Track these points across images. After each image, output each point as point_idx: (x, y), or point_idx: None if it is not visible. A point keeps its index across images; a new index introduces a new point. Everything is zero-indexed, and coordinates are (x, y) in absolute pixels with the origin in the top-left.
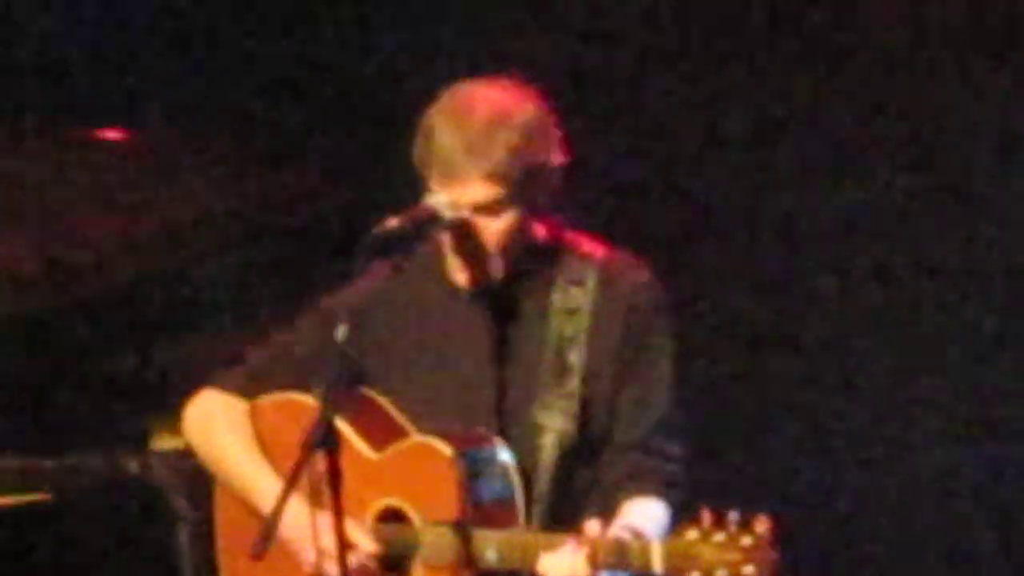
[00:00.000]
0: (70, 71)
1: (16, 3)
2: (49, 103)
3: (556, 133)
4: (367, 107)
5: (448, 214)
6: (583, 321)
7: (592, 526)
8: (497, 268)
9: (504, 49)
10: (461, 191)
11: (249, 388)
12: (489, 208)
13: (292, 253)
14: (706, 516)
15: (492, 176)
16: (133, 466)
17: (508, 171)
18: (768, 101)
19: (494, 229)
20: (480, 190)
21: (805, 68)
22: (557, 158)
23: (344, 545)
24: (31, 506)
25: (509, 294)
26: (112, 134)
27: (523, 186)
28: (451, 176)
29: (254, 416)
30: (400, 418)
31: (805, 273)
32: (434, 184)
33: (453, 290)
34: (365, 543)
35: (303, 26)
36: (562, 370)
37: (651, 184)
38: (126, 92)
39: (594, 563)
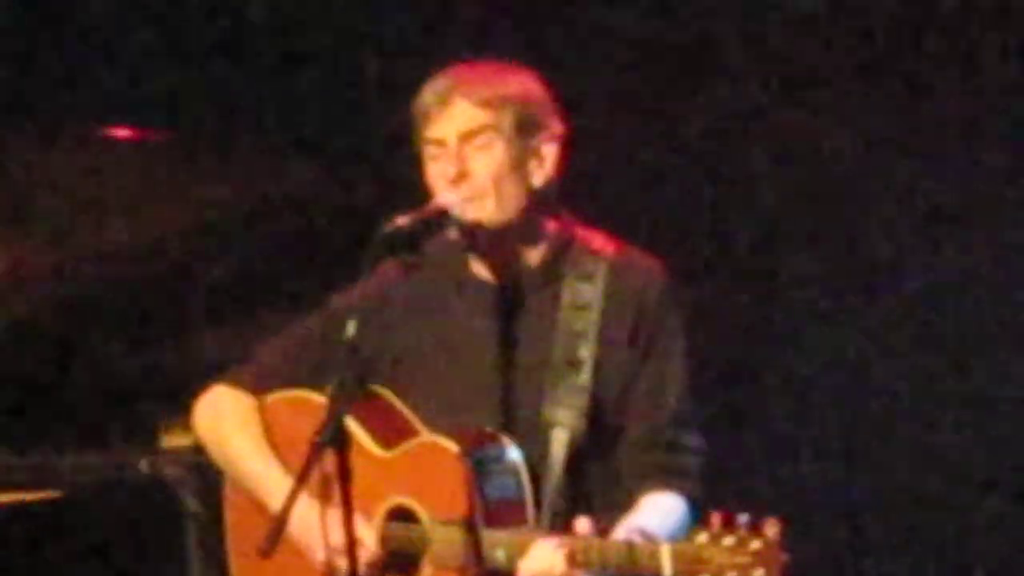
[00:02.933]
0: (84, 70)
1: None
2: (60, 102)
3: (554, 104)
4: (380, 105)
5: (457, 211)
6: (593, 316)
7: (582, 524)
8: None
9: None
10: (450, 118)
11: (259, 385)
12: (478, 134)
13: (303, 252)
14: (715, 519)
15: (482, 102)
16: (143, 464)
17: (499, 100)
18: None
19: (485, 166)
20: (469, 114)
21: None
22: (555, 123)
23: (354, 543)
24: (42, 503)
25: (518, 289)
26: (123, 132)
27: (515, 121)
28: (442, 106)
29: (264, 413)
30: (410, 416)
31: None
32: (426, 130)
33: (463, 284)
34: (371, 541)
35: (315, 21)
36: (572, 366)
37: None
38: (138, 90)
39: (572, 561)
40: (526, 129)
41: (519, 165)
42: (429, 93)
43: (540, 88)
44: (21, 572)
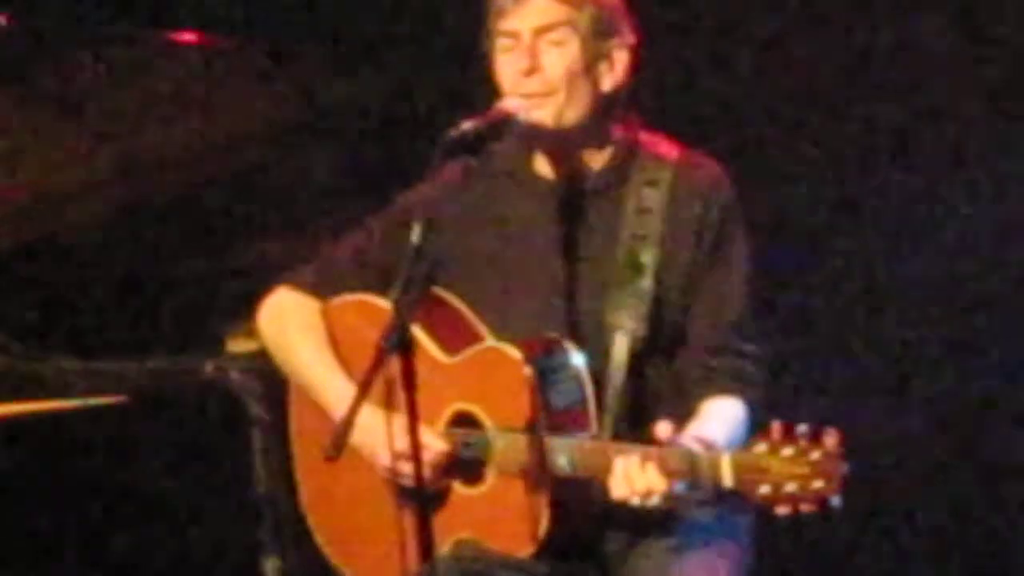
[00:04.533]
0: None
1: None
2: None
3: (627, 14)
4: (442, 13)
5: (523, 116)
6: (656, 221)
7: (663, 428)
8: (569, 125)
9: None
10: (526, 12)
11: (323, 287)
12: (553, 31)
13: (367, 154)
14: (776, 429)
15: None
16: (208, 368)
17: (576, 0)
18: None
19: (558, 61)
20: (546, 7)
21: None
22: (628, 31)
23: (419, 448)
24: (109, 408)
25: (583, 191)
26: (188, 36)
27: (591, 21)
28: (519, 1)
29: (328, 316)
30: (474, 321)
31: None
32: (499, 23)
33: (527, 184)
34: (436, 443)
35: None
36: (635, 270)
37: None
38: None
39: (667, 473)
40: (601, 31)
41: (591, 66)
42: None
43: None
44: (90, 476)
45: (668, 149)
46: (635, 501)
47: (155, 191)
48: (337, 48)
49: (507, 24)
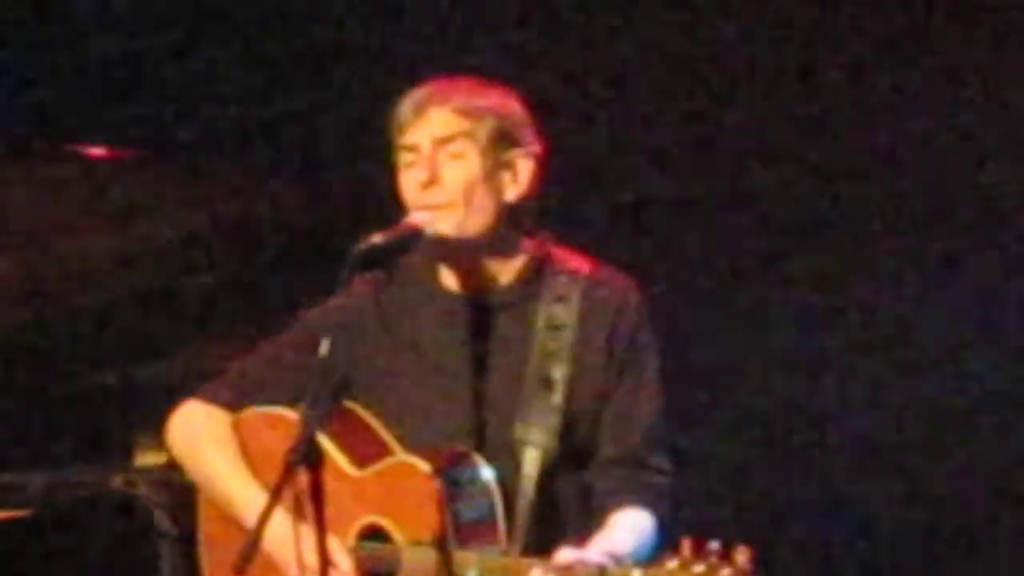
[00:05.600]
0: (63, 86)
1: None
2: (37, 119)
3: (531, 123)
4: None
5: (429, 229)
6: (567, 337)
7: (565, 554)
8: (474, 238)
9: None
10: (425, 125)
11: (233, 401)
12: (451, 143)
13: (276, 269)
14: (686, 545)
15: (458, 110)
16: (117, 481)
17: (475, 110)
18: None
19: (457, 173)
20: (445, 120)
21: None
22: (531, 141)
23: (327, 562)
24: (15, 521)
25: (492, 306)
26: (99, 151)
27: (491, 134)
28: (418, 113)
29: (238, 429)
30: (384, 434)
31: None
32: (401, 138)
33: (436, 299)
34: (344, 562)
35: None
36: (546, 386)
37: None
38: (117, 108)
39: None
40: (502, 141)
41: (492, 177)
42: (406, 102)
43: (518, 104)
44: None
45: (579, 264)
46: None
47: (63, 304)
48: (249, 158)
49: (407, 138)
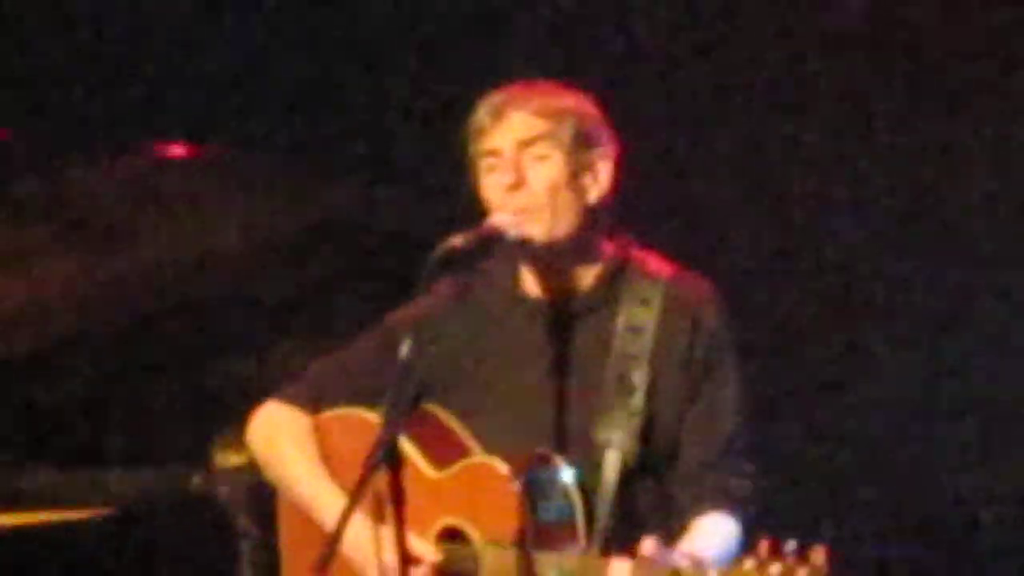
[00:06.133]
0: (141, 87)
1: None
2: (117, 118)
3: (608, 127)
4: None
5: (512, 232)
6: (647, 340)
7: (648, 545)
8: (557, 240)
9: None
10: (506, 129)
11: (313, 402)
12: (535, 145)
13: (359, 270)
14: (763, 546)
15: (539, 111)
16: (197, 482)
17: (556, 112)
18: None
19: (542, 175)
20: (527, 123)
21: None
22: (609, 141)
23: (407, 561)
24: (96, 521)
25: (573, 309)
26: (178, 150)
27: (572, 134)
28: (498, 118)
29: (318, 431)
30: (463, 436)
31: None
32: (480, 143)
33: (524, 302)
34: (429, 552)
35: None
36: (626, 389)
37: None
38: (189, 108)
39: None
40: (583, 142)
41: (575, 178)
42: (484, 108)
43: (593, 105)
44: None
45: (659, 267)
46: None
47: (150, 303)
48: (326, 161)
49: (489, 143)
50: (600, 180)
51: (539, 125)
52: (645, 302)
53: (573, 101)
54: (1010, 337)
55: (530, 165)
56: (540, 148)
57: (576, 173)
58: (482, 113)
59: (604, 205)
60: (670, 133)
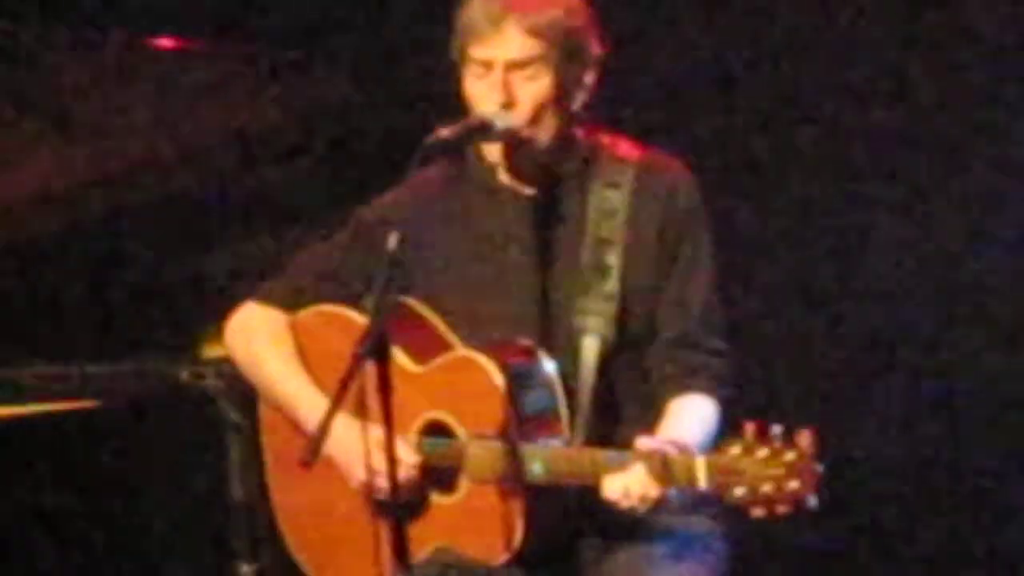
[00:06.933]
0: None
1: None
2: (100, 11)
3: (597, 24)
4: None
5: (499, 123)
6: (620, 222)
7: (643, 442)
8: (541, 143)
9: None
10: (501, 43)
11: (290, 301)
12: (527, 65)
13: (340, 164)
14: (749, 429)
15: (533, 30)
16: (184, 374)
17: (549, 31)
18: None
19: (531, 95)
20: (520, 42)
21: None
22: (597, 45)
23: (394, 458)
24: (81, 413)
25: (551, 198)
26: (166, 42)
27: (562, 53)
28: (493, 27)
29: (296, 329)
30: (443, 330)
31: None
32: (472, 48)
33: (498, 193)
34: (409, 457)
35: None
36: (600, 272)
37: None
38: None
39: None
40: (573, 59)
41: (564, 94)
42: (479, 10)
43: (585, 10)
44: (59, 483)
45: (629, 150)
46: (625, 504)
47: (133, 196)
48: (314, 53)
49: (480, 52)
50: (585, 89)
51: (532, 46)
52: (615, 185)
53: (566, 11)
54: None
55: (520, 84)
56: (531, 70)
57: (564, 89)
58: (477, 15)
59: (585, 107)
60: None
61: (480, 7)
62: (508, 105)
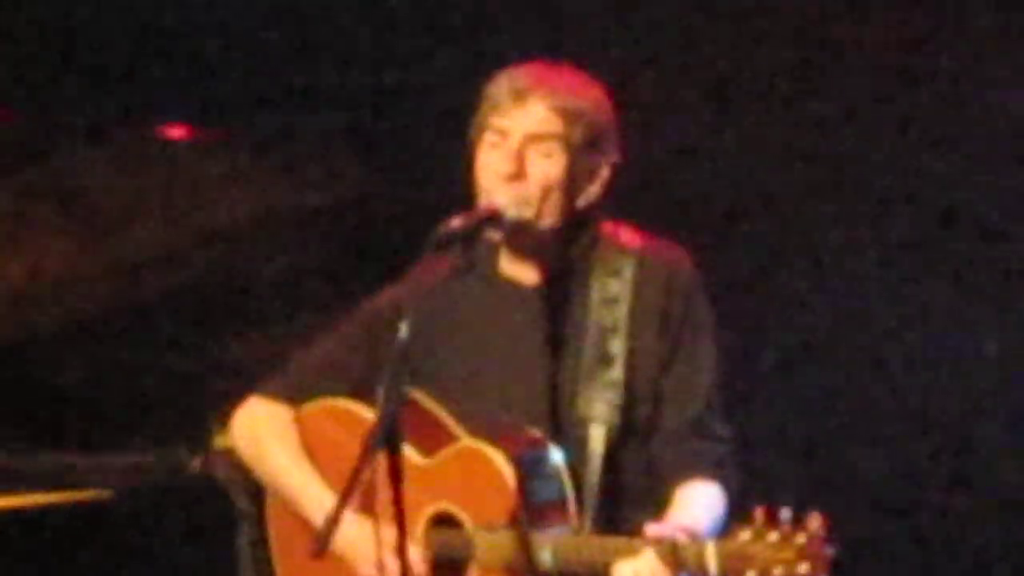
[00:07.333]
0: (134, 67)
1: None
2: (114, 100)
3: (617, 127)
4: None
5: (511, 213)
6: (622, 311)
7: (653, 528)
8: (543, 227)
9: None
10: (522, 115)
11: (295, 395)
12: (544, 140)
13: (355, 254)
14: (759, 515)
15: (556, 109)
16: (195, 464)
17: (572, 114)
18: None
19: (543, 172)
20: (542, 116)
21: None
22: (614, 148)
23: (405, 550)
24: (93, 503)
25: (555, 288)
26: (176, 131)
27: (581, 139)
28: (517, 100)
29: (300, 424)
30: (448, 421)
31: None
32: (492, 118)
33: (505, 286)
34: (415, 553)
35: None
36: (605, 361)
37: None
38: (188, 89)
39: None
40: (590, 149)
41: (572, 180)
42: (505, 84)
43: (610, 107)
44: (72, 572)
45: (630, 238)
46: None
47: (144, 286)
48: (328, 141)
49: (500, 121)
50: (595, 185)
51: (553, 123)
52: (617, 273)
53: (591, 101)
54: None
55: (533, 159)
56: (548, 146)
57: (575, 176)
58: (504, 89)
59: (590, 207)
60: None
61: (507, 81)
62: (516, 176)
